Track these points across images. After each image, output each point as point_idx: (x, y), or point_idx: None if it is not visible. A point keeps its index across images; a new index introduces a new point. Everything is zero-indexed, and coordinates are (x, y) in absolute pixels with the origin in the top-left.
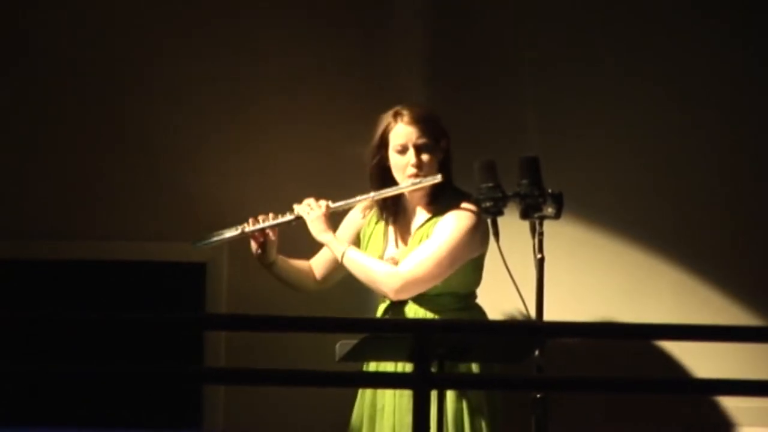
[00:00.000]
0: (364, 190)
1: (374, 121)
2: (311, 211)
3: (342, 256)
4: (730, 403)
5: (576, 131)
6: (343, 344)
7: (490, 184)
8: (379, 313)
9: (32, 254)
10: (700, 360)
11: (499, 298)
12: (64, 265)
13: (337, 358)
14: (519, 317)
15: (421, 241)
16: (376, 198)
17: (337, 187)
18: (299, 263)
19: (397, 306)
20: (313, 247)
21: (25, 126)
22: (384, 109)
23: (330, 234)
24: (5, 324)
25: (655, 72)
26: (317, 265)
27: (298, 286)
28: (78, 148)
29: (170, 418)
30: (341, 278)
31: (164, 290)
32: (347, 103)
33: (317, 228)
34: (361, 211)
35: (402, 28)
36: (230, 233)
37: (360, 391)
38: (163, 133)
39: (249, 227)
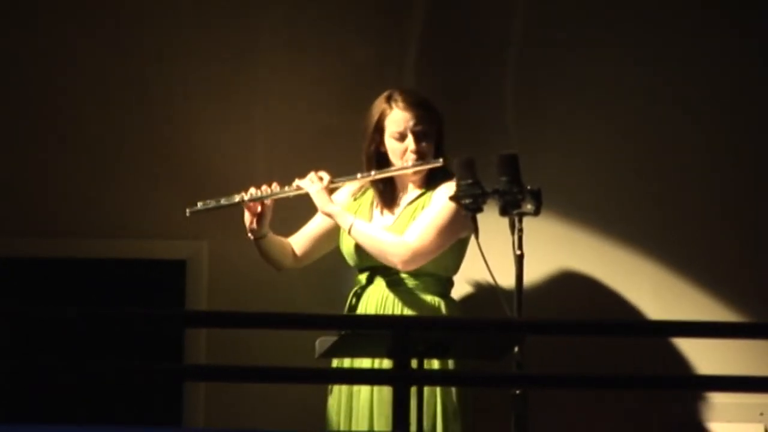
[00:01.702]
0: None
1: (359, 104)
2: (314, 184)
3: (350, 228)
4: (710, 399)
5: (556, 128)
6: (323, 341)
7: (469, 181)
8: (354, 296)
9: (10, 252)
10: (680, 356)
11: (478, 294)
12: (44, 262)
13: (317, 355)
14: (498, 314)
15: (415, 213)
16: (376, 177)
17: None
18: (281, 239)
19: (372, 287)
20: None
21: (4, 124)
22: (370, 96)
23: (336, 206)
24: None
25: (637, 69)
26: (298, 242)
27: (277, 262)
28: (56, 147)
29: (151, 415)
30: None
31: (144, 287)
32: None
33: (322, 200)
34: (351, 195)
35: (392, 21)
36: (228, 201)
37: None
38: (143, 132)
39: (247, 197)
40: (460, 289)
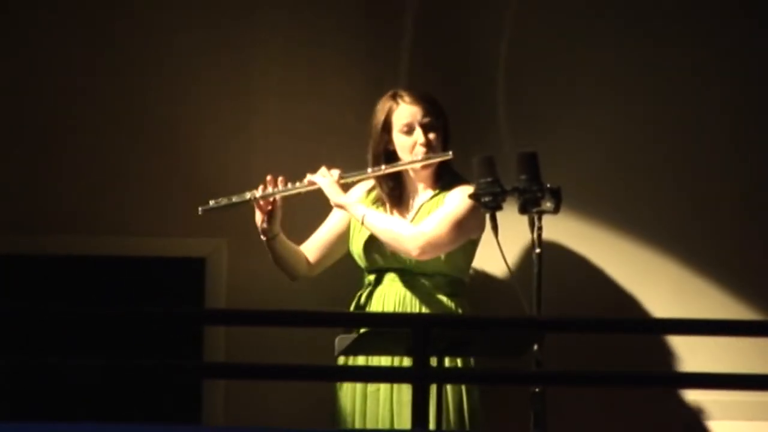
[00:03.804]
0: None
1: (358, 105)
2: (325, 177)
3: (363, 218)
4: (725, 397)
5: (574, 126)
6: (342, 338)
7: (489, 179)
8: (364, 297)
9: (30, 249)
10: (699, 354)
11: (498, 292)
12: (63, 259)
13: (336, 353)
14: (517, 312)
15: (430, 212)
16: (387, 171)
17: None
18: (294, 246)
19: (383, 287)
20: (307, 230)
21: (27, 122)
22: (370, 97)
23: (347, 197)
24: (3, 318)
25: (655, 66)
26: (311, 249)
27: (291, 268)
28: (75, 145)
29: (170, 413)
30: (330, 264)
31: (163, 285)
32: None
33: (334, 192)
34: (365, 192)
35: (399, 18)
36: (239, 198)
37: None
38: (161, 128)
39: (259, 194)
40: (480, 286)
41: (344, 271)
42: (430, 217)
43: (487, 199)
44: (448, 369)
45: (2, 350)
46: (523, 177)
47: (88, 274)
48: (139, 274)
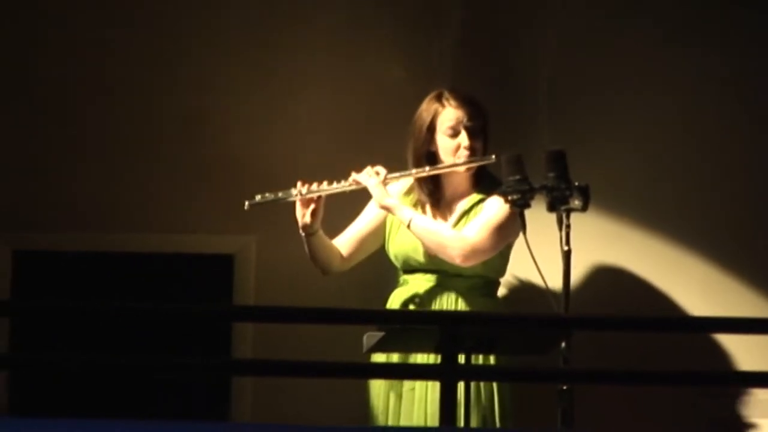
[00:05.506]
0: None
1: (398, 103)
2: (371, 178)
3: (409, 222)
4: (756, 395)
5: (603, 124)
6: (370, 335)
7: (518, 177)
8: (400, 296)
9: (59, 246)
10: (727, 352)
11: (526, 289)
12: (92, 256)
13: (364, 350)
14: (545, 309)
15: (469, 220)
16: (431, 173)
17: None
18: (330, 241)
19: (420, 287)
20: (340, 225)
21: (57, 121)
22: (408, 94)
23: (394, 199)
24: (33, 314)
25: (684, 63)
26: (344, 243)
27: (325, 263)
28: (106, 143)
29: (198, 410)
30: (362, 259)
31: (192, 282)
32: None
33: (380, 194)
34: (402, 192)
35: (436, 17)
36: (285, 195)
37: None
38: (190, 124)
39: (304, 191)
40: (508, 284)
41: (374, 269)
42: (472, 224)
43: (515, 197)
44: (476, 366)
45: (33, 346)
46: (551, 175)
47: (117, 271)
48: (168, 271)
